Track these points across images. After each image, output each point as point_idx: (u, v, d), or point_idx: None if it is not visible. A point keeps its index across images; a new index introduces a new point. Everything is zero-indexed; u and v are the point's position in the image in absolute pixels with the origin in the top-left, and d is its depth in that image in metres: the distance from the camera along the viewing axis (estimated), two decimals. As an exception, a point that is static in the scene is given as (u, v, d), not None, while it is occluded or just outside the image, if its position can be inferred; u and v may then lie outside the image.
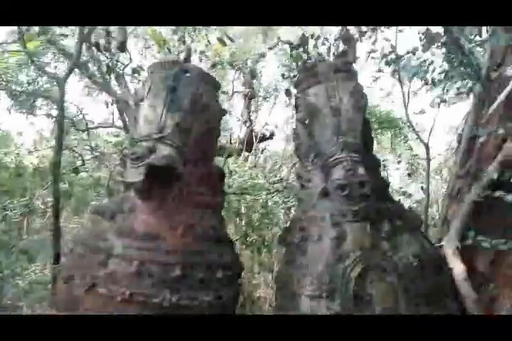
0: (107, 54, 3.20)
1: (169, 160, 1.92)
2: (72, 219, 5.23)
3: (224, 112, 2.45)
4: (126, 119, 5.94)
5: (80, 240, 2.18)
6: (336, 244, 2.00)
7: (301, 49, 3.73)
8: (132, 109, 6.79)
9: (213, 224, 2.33)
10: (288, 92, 3.52)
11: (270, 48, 7.59)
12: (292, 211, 5.42)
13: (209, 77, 2.34)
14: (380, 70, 3.54)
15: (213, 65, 7.73)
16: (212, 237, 2.25)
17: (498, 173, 2.75)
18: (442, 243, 2.66)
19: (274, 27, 8.21)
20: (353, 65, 2.12)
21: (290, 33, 9.08)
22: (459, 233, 2.75)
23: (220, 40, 3.39)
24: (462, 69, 3.25)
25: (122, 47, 2.79)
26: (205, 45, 5.72)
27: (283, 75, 6.70)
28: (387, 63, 3.48)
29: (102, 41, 3.01)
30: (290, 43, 8.17)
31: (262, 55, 7.93)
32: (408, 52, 3.35)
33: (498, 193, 2.22)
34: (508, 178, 2.67)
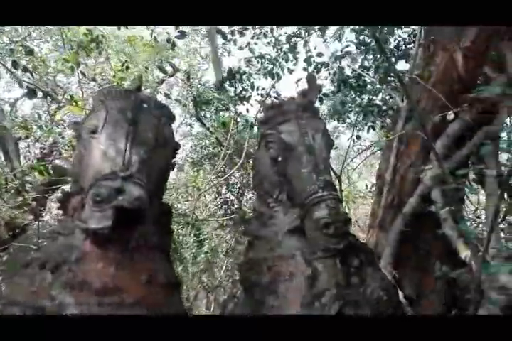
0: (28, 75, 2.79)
1: (141, 202, 1.70)
2: None
3: (178, 146, 2.30)
4: (9, 148, 5.24)
5: (11, 301, 1.78)
6: (311, 283, 1.97)
7: (227, 82, 3.75)
8: (12, 138, 6.01)
9: (168, 268, 2.13)
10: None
11: (171, 76, 7.50)
12: (205, 245, 5.28)
13: (166, 109, 2.18)
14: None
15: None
16: (171, 283, 2.05)
17: (419, 205, 3.08)
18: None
19: (172, 56, 8.16)
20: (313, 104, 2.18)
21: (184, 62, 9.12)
22: (391, 262, 2.97)
23: (161, 69, 3.22)
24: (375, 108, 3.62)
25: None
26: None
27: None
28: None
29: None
30: (187, 72, 8.20)
31: (159, 83, 7.78)
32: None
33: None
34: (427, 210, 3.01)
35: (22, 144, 7.77)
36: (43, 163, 4.22)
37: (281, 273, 2.05)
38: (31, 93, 2.78)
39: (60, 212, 2.15)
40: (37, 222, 3.97)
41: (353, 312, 1.93)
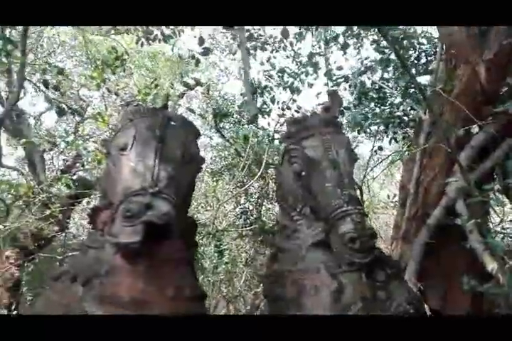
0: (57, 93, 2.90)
1: (169, 217, 1.75)
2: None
3: (203, 161, 2.35)
4: (36, 161, 5.38)
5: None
6: (336, 297, 1.98)
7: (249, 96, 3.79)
8: (38, 151, 6.17)
9: (193, 282, 2.17)
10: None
11: (191, 89, 7.61)
12: (226, 255, 5.30)
13: (192, 126, 2.25)
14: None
15: (127, 103, 7.50)
16: (196, 297, 2.08)
17: (443, 217, 3.05)
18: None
19: (191, 69, 8.31)
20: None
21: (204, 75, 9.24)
22: (415, 274, 2.94)
23: (186, 84, 3.30)
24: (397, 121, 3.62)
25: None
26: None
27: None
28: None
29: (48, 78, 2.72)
30: (207, 85, 8.31)
31: (180, 96, 7.90)
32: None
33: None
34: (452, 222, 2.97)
35: (46, 156, 7.98)
36: (69, 175, 4.33)
37: (306, 287, 2.06)
38: (61, 111, 2.87)
39: (87, 224, 2.22)
40: (63, 234, 4.07)
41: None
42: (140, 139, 1.98)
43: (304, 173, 2.07)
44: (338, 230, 1.87)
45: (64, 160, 7.57)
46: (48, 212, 4.14)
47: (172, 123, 2.10)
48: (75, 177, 5.88)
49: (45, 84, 2.69)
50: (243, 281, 6.92)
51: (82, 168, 6.97)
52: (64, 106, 3.18)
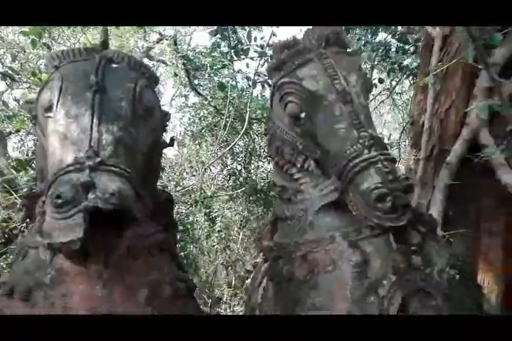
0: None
1: (122, 198, 1.22)
2: None
3: (168, 116, 1.79)
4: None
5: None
6: (361, 271, 1.52)
7: (218, 36, 3.14)
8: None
9: (174, 273, 1.67)
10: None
11: (157, 42, 6.85)
12: (218, 222, 4.85)
13: (145, 68, 1.65)
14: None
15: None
16: (180, 292, 1.59)
17: (465, 152, 2.60)
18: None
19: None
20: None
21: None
22: (439, 223, 2.52)
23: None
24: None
25: None
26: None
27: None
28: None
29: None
30: (174, 40, 7.59)
31: (146, 52, 7.15)
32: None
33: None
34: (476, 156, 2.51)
35: (15, 138, 7.30)
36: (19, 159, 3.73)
37: (321, 262, 1.59)
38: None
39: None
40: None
41: (420, 303, 1.50)
42: (69, 92, 1.41)
43: (303, 115, 1.53)
44: (360, 186, 1.37)
45: (34, 140, 6.94)
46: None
47: (114, 65, 1.52)
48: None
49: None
50: (239, 244, 6.59)
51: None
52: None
